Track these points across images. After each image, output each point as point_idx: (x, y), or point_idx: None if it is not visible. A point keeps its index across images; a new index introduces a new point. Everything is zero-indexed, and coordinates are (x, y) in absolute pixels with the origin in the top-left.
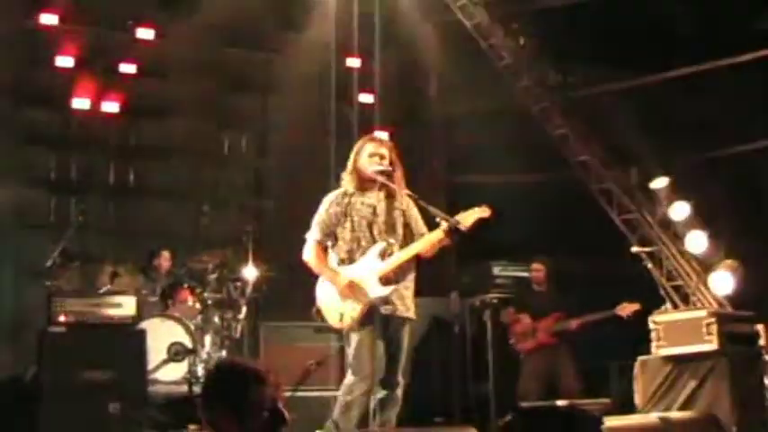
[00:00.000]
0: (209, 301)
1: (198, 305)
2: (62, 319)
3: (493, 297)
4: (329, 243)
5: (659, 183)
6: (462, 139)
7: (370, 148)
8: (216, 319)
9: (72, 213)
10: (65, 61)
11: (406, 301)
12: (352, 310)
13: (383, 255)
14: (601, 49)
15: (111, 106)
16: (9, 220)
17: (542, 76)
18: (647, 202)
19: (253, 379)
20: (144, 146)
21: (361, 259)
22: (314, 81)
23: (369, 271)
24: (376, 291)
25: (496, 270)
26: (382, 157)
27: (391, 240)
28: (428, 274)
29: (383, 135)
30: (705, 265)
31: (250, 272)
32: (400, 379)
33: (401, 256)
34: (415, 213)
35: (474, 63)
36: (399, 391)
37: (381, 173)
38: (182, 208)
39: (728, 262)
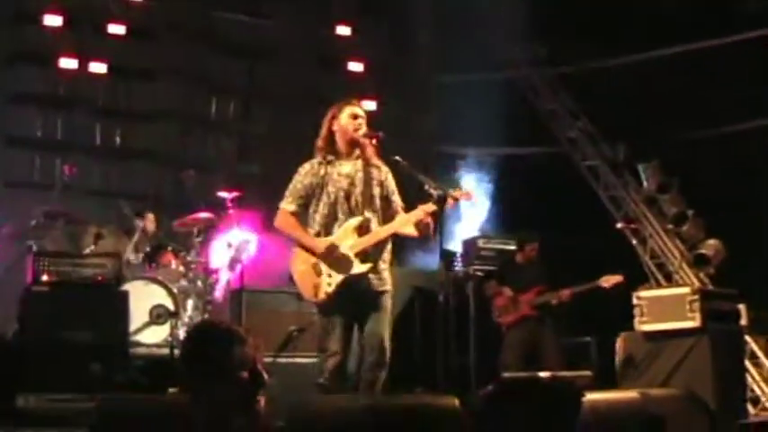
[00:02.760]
0: (193, 265)
1: (181, 268)
2: (45, 278)
3: (477, 269)
4: (305, 213)
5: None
6: (451, 110)
7: (349, 110)
8: (199, 283)
9: (57, 173)
10: (53, 20)
11: (382, 275)
12: (327, 285)
13: (360, 229)
14: (591, 26)
15: (98, 67)
16: None
17: (532, 51)
18: (633, 180)
19: (233, 339)
20: (131, 107)
21: (338, 232)
22: (302, 47)
23: (345, 246)
24: (353, 267)
25: (481, 242)
26: (362, 120)
27: (368, 215)
28: (412, 246)
29: (370, 104)
30: (689, 245)
31: (234, 237)
32: (386, 344)
33: (379, 232)
34: (392, 186)
35: (465, 33)
36: (386, 356)
37: (368, 136)
38: (167, 171)
39: (712, 242)
